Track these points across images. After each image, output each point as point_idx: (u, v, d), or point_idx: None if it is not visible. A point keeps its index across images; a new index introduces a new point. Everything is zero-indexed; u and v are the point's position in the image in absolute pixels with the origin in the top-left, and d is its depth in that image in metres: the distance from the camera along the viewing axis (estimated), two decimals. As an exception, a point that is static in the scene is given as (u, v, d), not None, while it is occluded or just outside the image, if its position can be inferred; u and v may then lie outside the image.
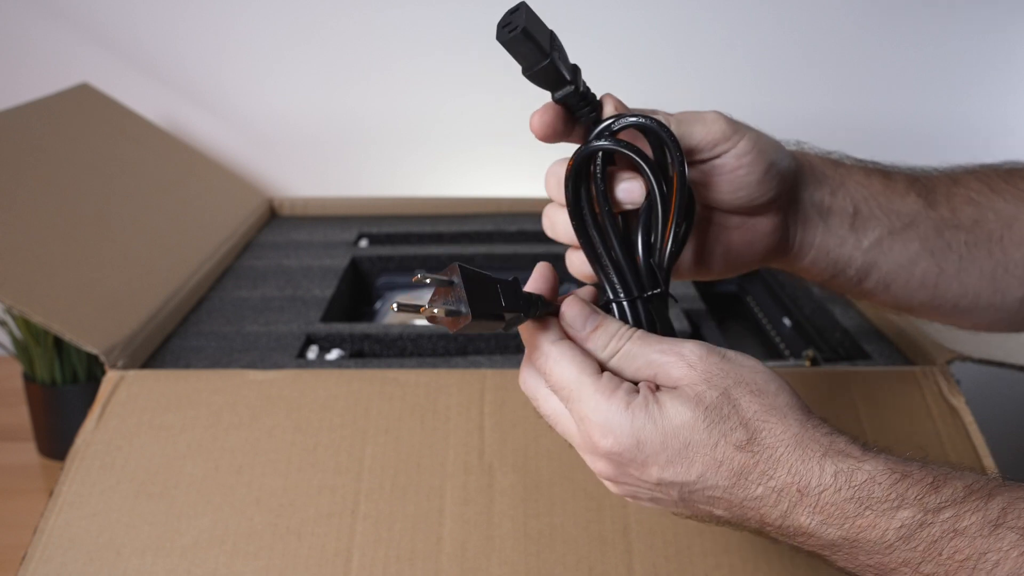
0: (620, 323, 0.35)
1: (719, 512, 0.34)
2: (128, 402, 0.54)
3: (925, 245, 0.42)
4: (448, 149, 1.02)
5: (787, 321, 0.76)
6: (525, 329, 0.36)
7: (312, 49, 0.98)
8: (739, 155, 0.38)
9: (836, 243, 0.42)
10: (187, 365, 0.60)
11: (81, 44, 0.96)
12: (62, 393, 0.79)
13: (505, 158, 1.02)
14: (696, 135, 0.38)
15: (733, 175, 0.38)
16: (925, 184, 0.43)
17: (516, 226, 0.88)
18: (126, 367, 0.57)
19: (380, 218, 0.93)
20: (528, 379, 0.36)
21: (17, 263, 0.58)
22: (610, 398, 0.33)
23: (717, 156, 0.38)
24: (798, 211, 0.41)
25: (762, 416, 0.32)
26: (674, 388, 0.33)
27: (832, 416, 0.53)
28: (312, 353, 0.63)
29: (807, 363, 0.65)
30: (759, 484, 0.32)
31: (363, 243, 0.87)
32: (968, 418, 0.53)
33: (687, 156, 0.37)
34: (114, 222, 0.70)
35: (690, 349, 0.33)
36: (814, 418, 0.33)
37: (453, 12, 0.96)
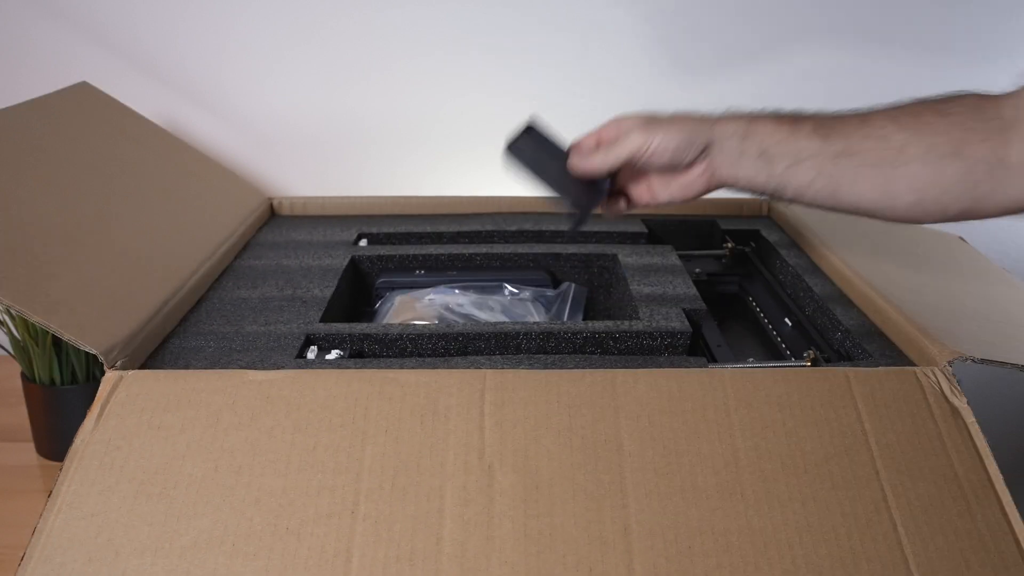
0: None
1: None
2: (127, 402, 0.54)
3: (821, 170, 0.58)
4: (448, 149, 1.02)
5: (788, 321, 0.76)
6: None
7: (312, 49, 0.98)
8: (655, 149, 0.61)
9: (751, 174, 0.60)
10: (186, 365, 0.60)
11: (81, 44, 0.96)
12: (61, 393, 0.79)
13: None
14: (625, 152, 0.61)
15: (654, 159, 0.61)
16: (830, 126, 0.59)
17: (516, 226, 0.88)
18: (125, 367, 0.57)
19: (380, 218, 0.93)
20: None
21: (16, 263, 0.58)
22: None
23: (643, 156, 0.61)
24: (717, 160, 0.61)
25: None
26: None
27: (832, 416, 0.53)
28: (312, 353, 0.63)
29: (808, 363, 0.65)
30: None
31: (363, 243, 0.87)
32: (970, 418, 0.53)
33: (632, 166, 0.63)
34: (113, 222, 0.70)
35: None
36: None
37: (453, 12, 0.96)
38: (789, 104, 0.63)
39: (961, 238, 0.89)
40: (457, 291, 0.78)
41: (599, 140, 0.66)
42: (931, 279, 0.75)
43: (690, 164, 0.61)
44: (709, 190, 0.63)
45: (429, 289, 0.79)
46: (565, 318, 0.76)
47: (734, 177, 0.61)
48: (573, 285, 0.81)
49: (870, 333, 0.66)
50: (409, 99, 1.00)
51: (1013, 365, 0.56)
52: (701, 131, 0.61)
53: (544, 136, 0.68)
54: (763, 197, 0.66)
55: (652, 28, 0.97)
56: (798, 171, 0.59)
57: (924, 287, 0.72)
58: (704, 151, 0.61)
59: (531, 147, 0.67)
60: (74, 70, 0.92)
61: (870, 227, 0.87)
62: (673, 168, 0.62)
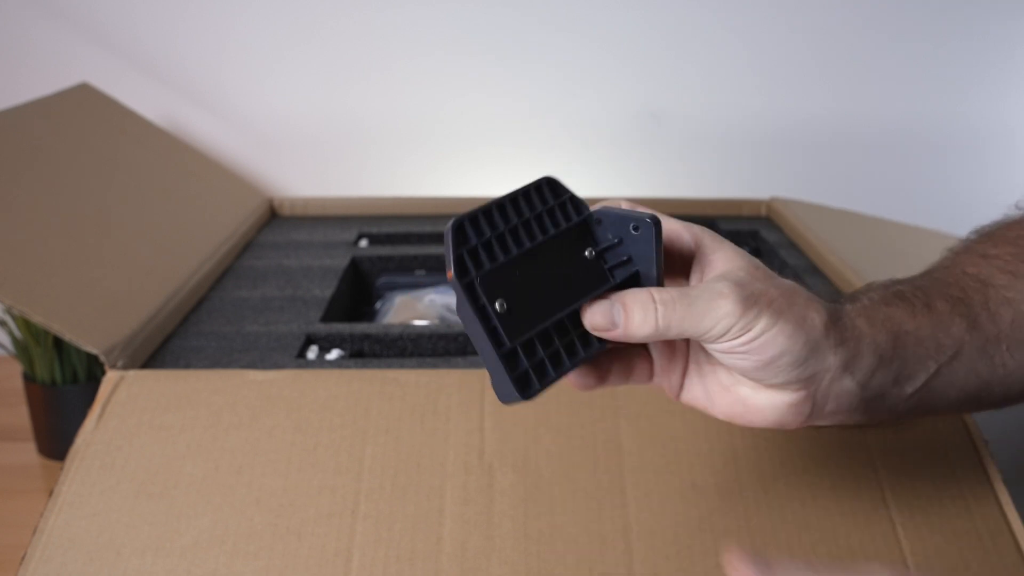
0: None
1: None
2: (128, 402, 0.54)
3: (971, 369, 0.39)
4: (448, 149, 1.02)
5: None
6: None
7: (312, 49, 0.98)
8: (746, 342, 0.34)
9: (871, 394, 0.38)
10: (187, 365, 0.60)
11: (81, 44, 0.96)
12: (62, 393, 0.79)
13: (505, 158, 1.02)
14: (703, 326, 0.34)
15: (732, 358, 0.35)
16: (962, 299, 0.40)
17: (516, 226, 0.88)
18: (126, 367, 0.57)
19: (380, 218, 0.93)
20: None
21: (17, 263, 0.58)
22: None
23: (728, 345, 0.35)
24: (820, 383, 0.37)
25: None
26: None
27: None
28: (312, 353, 0.63)
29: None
30: None
31: (363, 243, 0.87)
32: (969, 418, 0.53)
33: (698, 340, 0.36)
34: (114, 222, 0.70)
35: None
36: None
37: (453, 12, 0.96)
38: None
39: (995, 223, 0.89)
40: None
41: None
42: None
43: (777, 387, 0.37)
44: (793, 419, 0.38)
45: (429, 289, 0.79)
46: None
47: (829, 404, 0.38)
48: None
49: (869, 333, 0.66)
50: (409, 99, 1.00)
51: None
52: (827, 343, 0.36)
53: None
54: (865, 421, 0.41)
55: (652, 28, 0.97)
56: (941, 382, 0.39)
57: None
58: (824, 362, 0.36)
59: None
60: (74, 70, 0.92)
61: (869, 228, 0.87)
62: (755, 384, 0.37)
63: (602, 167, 1.02)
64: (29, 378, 0.80)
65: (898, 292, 0.40)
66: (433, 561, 0.46)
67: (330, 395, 0.54)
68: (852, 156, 1.03)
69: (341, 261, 0.80)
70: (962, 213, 0.92)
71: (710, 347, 0.35)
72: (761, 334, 0.34)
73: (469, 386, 0.54)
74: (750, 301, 0.34)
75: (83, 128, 0.79)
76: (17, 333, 0.79)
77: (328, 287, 0.74)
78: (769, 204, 0.94)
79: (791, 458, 0.51)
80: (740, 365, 0.35)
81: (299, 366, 0.60)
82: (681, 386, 0.40)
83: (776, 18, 0.97)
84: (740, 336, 0.34)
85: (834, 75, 0.99)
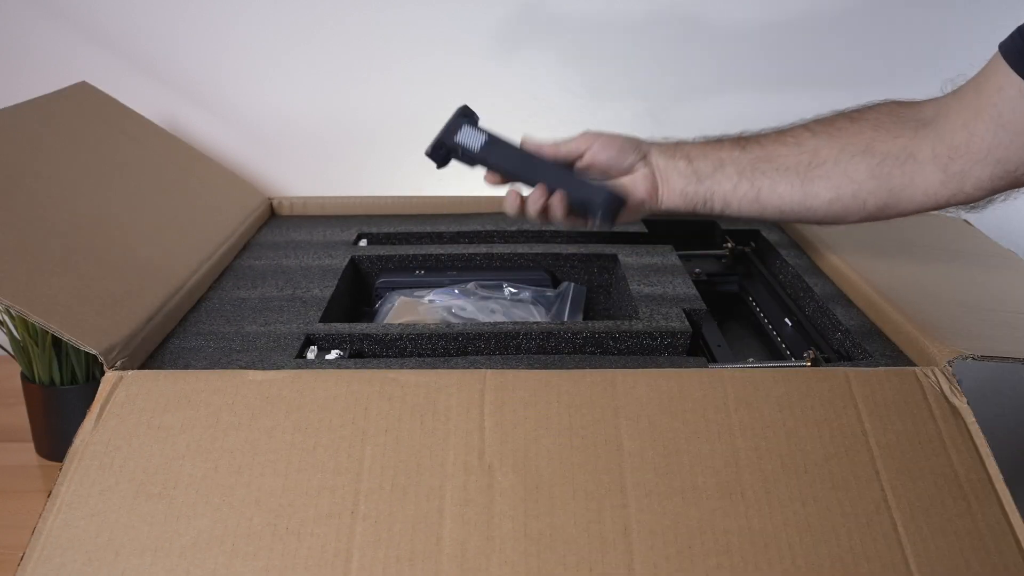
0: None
1: None
2: (127, 402, 0.53)
3: (741, 174, 0.65)
4: (448, 149, 1.02)
5: (788, 321, 0.76)
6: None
7: (312, 49, 0.98)
8: (601, 144, 0.69)
9: (684, 182, 0.66)
10: (186, 365, 0.60)
11: (81, 44, 0.96)
12: (61, 393, 0.79)
13: (505, 158, 1.01)
14: (581, 144, 0.69)
15: (603, 153, 0.68)
16: (748, 139, 0.67)
17: (516, 226, 0.88)
18: (125, 367, 0.57)
19: (380, 218, 0.93)
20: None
21: (15, 262, 0.58)
22: None
23: (589, 148, 0.69)
24: (653, 167, 0.68)
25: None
26: None
27: (832, 416, 0.53)
28: (311, 353, 0.63)
29: (808, 363, 0.64)
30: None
31: (362, 243, 0.87)
32: (970, 418, 0.53)
33: (579, 157, 0.70)
34: (113, 222, 0.70)
35: None
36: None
37: (453, 12, 0.96)
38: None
39: (967, 221, 0.89)
40: (457, 292, 0.78)
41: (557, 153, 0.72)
42: (934, 270, 0.75)
43: (630, 168, 0.68)
44: (651, 197, 0.68)
45: (430, 291, 0.78)
46: (565, 318, 0.76)
47: (669, 185, 0.67)
48: (572, 284, 0.81)
49: (870, 333, 0.66)
50: (409, 99, 1.00)
51: (1014, 359, 0.56)
52: (631, 143, 0.68)
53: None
54: (697, 215, 0.69)
55: (652, 28, 0.97)
56: (721, 178, 0.65)
57: (926, 280, 0.72)
58: (642, 157, 0.68)
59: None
60: (74, 70, 0.92)
61: (866, 227, 0.87)
62: (614, 167, 0.68)
63: (602, 167, 1.02)
64: (28, 378, 0.80)
65: (704, 136, 0.69)
66: (433, 561, 0.46)
67: (330, 395, 0.54)
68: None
69: (340, 261, 0.79)
70: (961, 212, 0.92)
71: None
72: (593, 146, 0.69)
73: (469, 386, 0.54)
74: (585, 138, 0.70)
75: (83, 128, 0.78)
76: (16, 333, 0.79)
77: (327, 287, 0.73)
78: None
79: (791, 458, 0.51)
80: (603, 158, 0.69)
81: (298, 366, 0.60)
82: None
83: (776, 18, 0.97)
84: (586, 149, 0.69)
85: (834, 75, 0.99)
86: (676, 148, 0.68)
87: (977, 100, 0.58)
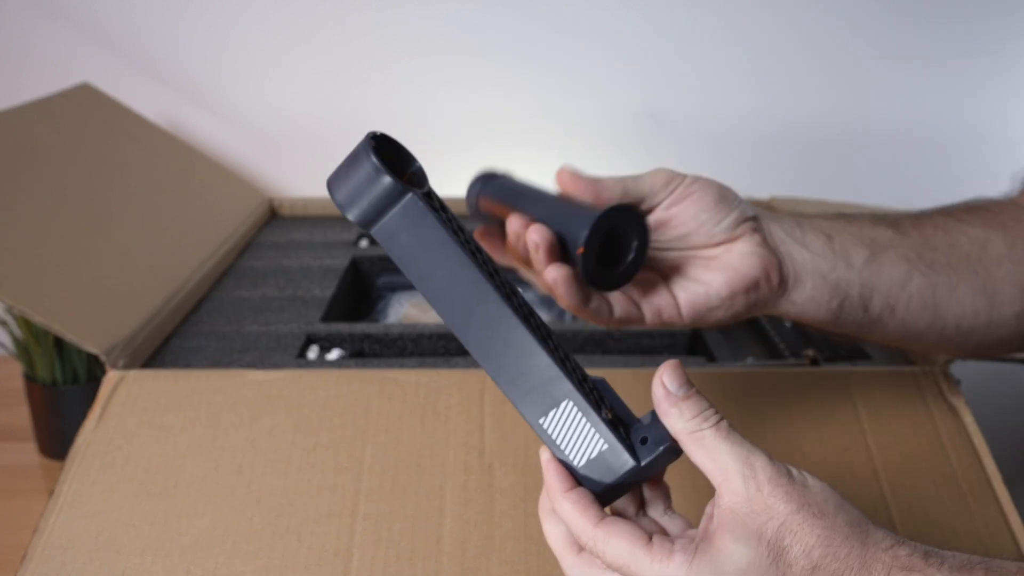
0: (708, 402, 0.35)
1: None
2: (128, 402, 0.54)
3: (912, 264, 0.44)
4: (448, 149, 1.02)
5: (787, 321, 0.76)
6: (565, 504, 0.36)
7: (312, 49, 0.98)
8: (687, 184, 0.43)
9: (828, 267, 0.43)
10: (187, 365, 0.60)
11: (81, 44, 0.96)
12: (62, 393, 0.79)
13: (505, 158, 1.02)
14: (644, 184, 0.43)
15: (687, 202, 0.43)
16: (890, 219, 0.46)
17: (516, 226, 0.88)
18: (126, 367, 0.57)
19: (380, 218, 0.93)
20: (575, 565, 0.36)
21: (18, 263, 0.58)
22: (669, 561, 0.33)
23: (669, 194, 0.43)
24: (773, 238, 0.43)
25: (825, 541, 0.32)
26: (729, 518, 0.33)
27: (832, 416, 0.53)
28: (312, 353, 0.63)
29: (808, 363, 0.65)
30: None
31: (363, 243, 0.87)
32: (968, 418, 0.53)
33: (642, 204, 0.44)
34: (114, 222, 0.70)
35: (762, 466, 0.33)
36: (875, 532, 0.33)
37: (453, 12, 0.96)
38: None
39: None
40: None
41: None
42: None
43: (729, 236, 0.43)
44: (766, 298, 0.43)
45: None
46: (567, 319, 0.76)
47: (802, 267, 0.43)
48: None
49: (869, 333, 0.66)
50: (409, 99, 1.00)
51: (1014, 360, 0.56)
52: (739, 199, 0.44)
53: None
54: (843, 336, 0.47)
55: (652, 28, 0.97)
56: (884, 264, 0.43)
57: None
58: (750, 220, 0.43)
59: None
60: (74, 70, 0.92)
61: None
62: (703, 229, 0.43)
63: (602, 167, 1.02)
64: (30, 378, 0.80)
65: (824, 213, 0.47)
66: (433, 561, 0.46)
67: (330, 395, 0.54)
68: (852, 156, 1.03)
69: (341, 261, 0.80)
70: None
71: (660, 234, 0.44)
72: (697, 179, 0.44)
73: (469, 386, 0.54)
74: (672, 173, 0.44)
75: (83, 128, 0.79)
76: (18, 333, 0.79)
77: (328, 287, 0.74)
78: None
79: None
80: (698, 202, 0.43)
81: (299, 366, 0.60)
82: (673, 306, 0.44)
83: (776, 18, 0.97)
84: (679, 183, 0.43)
85: (834, 75, 0.99)
86: (799, 218, 0.45)
87: None
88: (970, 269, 0.44)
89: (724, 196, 0.43)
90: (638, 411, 0.39)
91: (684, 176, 0.44)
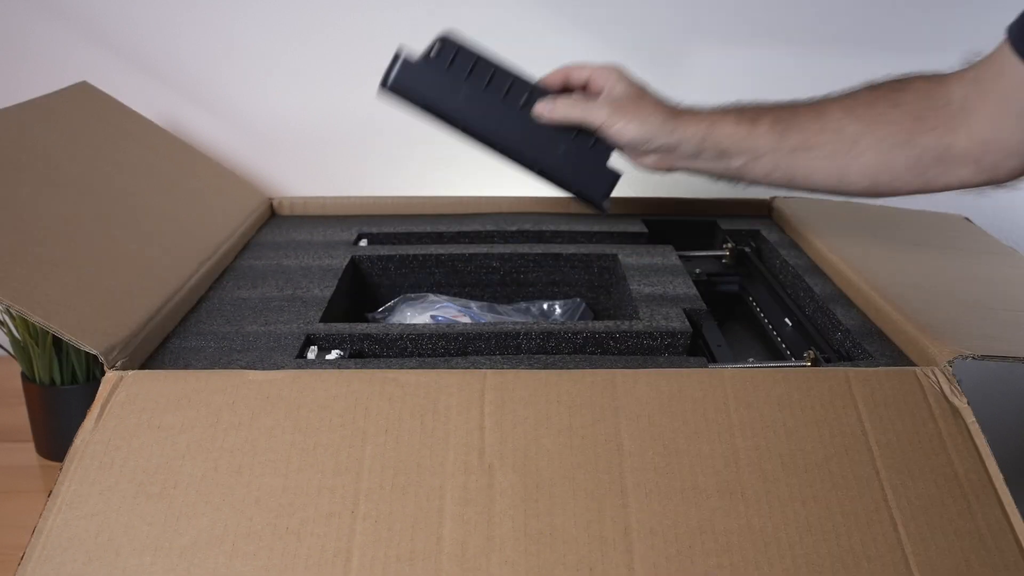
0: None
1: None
2: (127, 402, 0.54)
3: (777, 164, 0.65)
4: (448, 149, 1.02)
5: (788, 321, 0.76)
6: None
7: (312, 49, 0.98)
8: (613, 133, 0.69)
9: (708, 166, 0.67)
10: (186, 365, 0.60)
11: (81, 44, 0.96)
12: (61, 393, 0.79)
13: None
14: (584, 120, 0.71)
15: (612, 139, 0.70)
16: (787, 121, 0.64)
17: (516, 226, 0.88)
18: (125, 367, 0.57)
19: (380, 218, 0.93)
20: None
21: (15, 262, 0.58)
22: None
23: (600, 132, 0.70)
24: (674, 156, 0.68)
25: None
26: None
27: (832, 416, 0.53)
28: (312, 353, 0.63)
29: (808, 363, 0.64)
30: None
31: (363, 243, 0.87)
32: (970, 418, 0.53)
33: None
34: (114, 222, 0.70)
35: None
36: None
37: (453, 13, 0.96)
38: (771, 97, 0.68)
39: (967, 219, 0.89)
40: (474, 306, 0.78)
41: (567, 78, 0.72)
42: (934, 268, 0.75)
43: (645, 153, 0.68)
44: (661, 171, 0.71)
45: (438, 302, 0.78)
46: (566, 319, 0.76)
47: (690, 170, 0.68)
48: (583, 304, 0.80)
49: (870, 333, 0.66)
50: (409, 99, 0.99)
51: (1014, 359, 0.56)
52: (663, 131, 0.66)
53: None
54: (717, 180, 0.71)
55: (652, 28, 0.97)
56: (755, 166, 0.65)
57: (926, 279, 0.72)
58: (661, 148, 0.67)
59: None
60: (74, 70, 0.92)
61: (872, 217, 0.87)
62: (628, 151, 0.70)
63: (602, 167, 1.02)
64: (28, 378, 0.80)
65: (740, 107, 0.67)
66: (433, 561, 0.46)
67: (330, 395, 0.54)
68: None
69: (341, 261, 0.79)
70: (962, 211, 0.92)
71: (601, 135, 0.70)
72: (617, 126, 0.68)
73: (469, 386, 0.54)
74: (614, 108, 0.68)
75: (83, 127, 0.78)
76: (16, 333, 0.79)
77: (328, 287, 0.73)
78: (771, 203, 0.94)
79: (791, 458, 0.51)
80: (617, 143, 0.70)
81: (299, 366, 0.60)
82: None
83: (776, 18, 0.97)
84: (609, 129, 0.69)
85: (834, 74, 0.99)
86: (708, 134, 0.66)
87: (999, 94, 0.58)
88: (830, 162, 0.63)
89: (638, 140, 0.68)
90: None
91: (614, 123, 0.68)
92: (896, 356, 0.62)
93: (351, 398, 0.54)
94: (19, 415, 0.85)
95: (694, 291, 0.72)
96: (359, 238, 0.87)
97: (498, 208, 0.94)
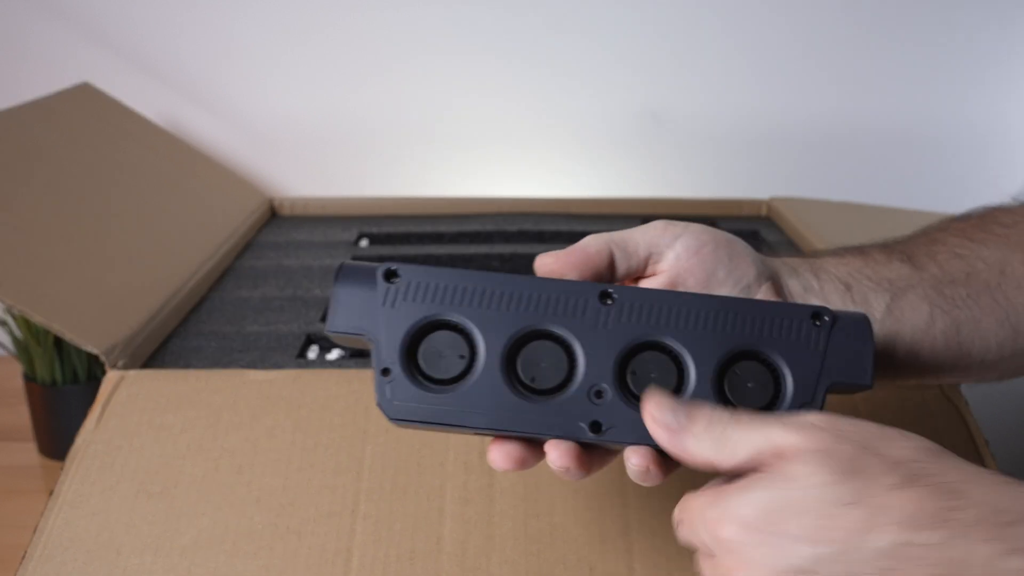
0: (709, 403, 0.32)
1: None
2: (128, 402, 0.54)
3: (933, 304, 0.41)
4: (448, 149, 1.02)
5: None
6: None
7: (312, 49, 0.98)
8: (695, 232, 0.38)
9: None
10: (187, 365, 0.60)
11: (81, 44, 0.96)
12: (62, 393, 0.79)
13: (505, 158, 1.02)
14: (637, 238, 0.38)
15: (702, 253, 0.38)
16: (903, 250, 0.43)
17: (516, 226, 0.88)
18: (126, 367, 0.57)
19: (380, 218, 0.93)
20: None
21: (17, 263, 0.58)
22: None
23: (674, 240, 0.38)
24: (792, 297, 0.39)
25: (918, 456, 0.29)
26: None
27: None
28: (312, 353, 0.63)
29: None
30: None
31: (363, 243, 0.87)
32: (970, 418, 0.53)
33: (639, 267, 0.38)
34: (114, 222, 0.70)
35: (813, 417, 0.30)
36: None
37: (454, 12, 0.96)
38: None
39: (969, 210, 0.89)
40: None
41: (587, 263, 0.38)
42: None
43: (749, 285, 0.38)
44: None
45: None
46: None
47: None
48: None
49: (870, 333, 0.66)
50: (410, 99, 1.00)
51: None
52: (752, 251, 0.40)
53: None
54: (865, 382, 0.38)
55: (652, 28, 0.97)
56: (905, 310, 0.40)
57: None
58: (769, 281, 0.39)
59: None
60: (74, 70, 0.92)
61: (871, 218, 0.87)
62: (727, 292, 0.38)
63: (602, 167, 1.02)
64: (29, 378, 0.80)
65: (834, 249, 0.44)
66: (433, 561, 0.46)
67: (330, 395, 0.54)
68: (852, 155, 1.03)
69: (341, 261, 0.80)
70: (961, 211, 0.92)
71: None
72: (691, 235, 0.39)
73: (469, 386, 0.54)
74: (668, 222, 0.39)
75: (84, 128, 0.79)
76: (17, 333, 0.79)
77: (328, 287, 0.74)
78: (769, 204, 0.94)
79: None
80: (693, 276, 0.38)
81: (299, 366, 0.60)
82: None
83: (776, 18, 0.97)
84: (680, 235, 0.39)
85: (834, 74, 0.99)
86: (810, 262, 0.42)
87: None
88: (991, 299, 0.41)
89: (734, 247, 0.38)
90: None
91: (684, 223, 0.39)
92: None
93: (352, 397, 0.54)
94: (20, 415, 0.85)
95: (694, 291, 0.72)
96: (359, 238, 0.88)
97: (498, 208, 0.94)
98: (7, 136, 0.69)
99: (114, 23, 0.96)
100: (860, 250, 0.43)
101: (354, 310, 0.34)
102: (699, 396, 0.33)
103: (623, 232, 0.38)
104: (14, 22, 0.95)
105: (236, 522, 0.48)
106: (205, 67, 0.98)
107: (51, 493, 0.49)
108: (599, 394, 0.33)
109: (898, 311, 0.40)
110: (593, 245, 0.37)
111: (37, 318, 0.54)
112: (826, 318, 0.34)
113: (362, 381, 0.55)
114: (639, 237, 0.38)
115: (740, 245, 0.39)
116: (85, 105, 0.82)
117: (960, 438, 0.52)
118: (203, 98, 1.00)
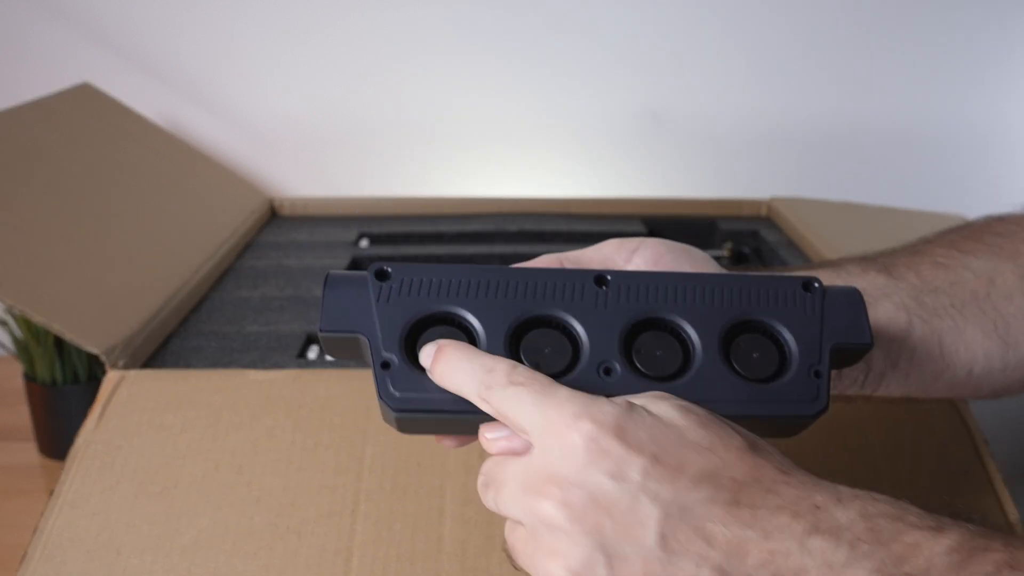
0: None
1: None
2: (128, 402, 0.54)
3: (911, 313, 0.39)
4: (448, 149, 1.02)
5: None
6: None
7: (312, 49, 0.98)
8: (650, 245, 0.38)
9: None
10: (187, 365, 0.60)
11: (81, 44, 0.96)
12: (62, 393, 0.79)
13: (505, 158, 1.02)
14: (589, 257, 0.38)
15: (649, 266, 0.37)
16: (882, 262, 0.42)
17: (516, 226, 0.88)
18: (126, 367, 0.57)
19: (380, 218, 0.93)
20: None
21: (17, 263, 0.58)
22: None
23: (631, 254, 0.38)
24: None
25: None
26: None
27: (832, 416, 0.53)
28: (312, 353, 0.63)
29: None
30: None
31: (364, 243, 0.87)
32: (969, 417, 0.53)
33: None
34: (114, 222, 0.70)
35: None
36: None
37: (454, 12, 0.96)
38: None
39: (965, 219, 0.89)
40: None
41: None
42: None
43: None
44: None
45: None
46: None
47: None
48: None
49: (870, 333, 0.66)
50: (409, 99, 1.00)
51: None
52: (710, 260, 0.40)
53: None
54: (850, 390, 0.41)
55: (652, 28, 0.97)
56: (880, 316, 0.39)
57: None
58: None
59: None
60: (74, 70, 0.92)
61: (871, 217, 0.87)
62: None
63: (602, 167, 1.02)
64: (30, 378, 0.80)
65: (805, 264, 0.44)
66: (433, 561, 0.46)
67: (330, 395, 0.54)
68: (852, 156, 1.03)
69: (341, 261, 0.80)
70: (961, 211, 0.92)
71: None
72: (647, 248, 0.38)
73: (469, 386, 0.54)
74: (622, 240, 0.39)
75: (84, 128, 0.79)
76: (18, 333, 0.79)
77: (328, 287, 0.74)
78: (769, 204, 0.94)
79: (790, 456, 0.51)
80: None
81: (299, 366, 0.60)
82: None
83: (776, 18, 0.97)
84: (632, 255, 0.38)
85: (834, 75, 0.99)
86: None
87: None
88: (978, 309, 0.40)
89: (693, 253, 0.38)
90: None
91: (639, 238, 0.38)
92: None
93: (352, 397, 0.54)
94: (21, 414, 0.85)
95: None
96: (360, 238, 0.88)
97: (498, 208, 0.94)
98: (7, 136, 0.69)
99: (114, 23, 0.96)
100: (834, 263, 0.43)
101: (346, 310, 0.34)
102: (707, 369, 0.34)
103: (576, 251, 0.38)
104: (14, 22, 0.95)
105: (236, 522, 0.48)
106: (205, 67, 0.98)
107: (51, 493, 0.49)
108: (608, 371, 0.33)
109: (872, 319, 0.39)
110: (545, 264, 0.37)
111: (37, 318, 0.54)
112: (816, 285, 0.35)
113: (362, 381, 0.55)
114: (592, 256, 0.38)
115: (698, 252, 0.38)
116: (85, 105, 0.82)
117: (960, 438, 0.52)
118: (203, 98, 1.00)
